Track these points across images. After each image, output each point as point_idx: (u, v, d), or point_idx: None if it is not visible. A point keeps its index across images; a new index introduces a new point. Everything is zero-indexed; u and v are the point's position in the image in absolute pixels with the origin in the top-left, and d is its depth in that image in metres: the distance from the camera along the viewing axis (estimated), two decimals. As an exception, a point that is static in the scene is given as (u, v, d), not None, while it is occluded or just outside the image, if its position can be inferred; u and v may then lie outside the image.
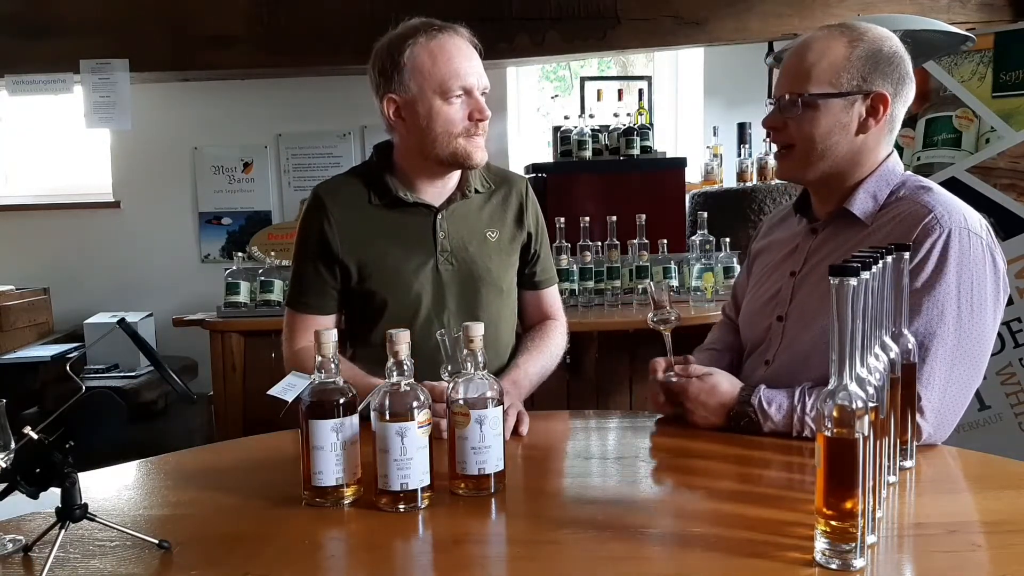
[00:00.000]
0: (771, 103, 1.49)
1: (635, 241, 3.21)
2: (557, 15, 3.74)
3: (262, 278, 3.27)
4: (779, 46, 3.41)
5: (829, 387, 0.93)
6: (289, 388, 1.23)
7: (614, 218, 3.17)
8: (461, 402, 1.19)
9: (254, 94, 4.34)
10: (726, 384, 1.44)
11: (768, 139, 1.53)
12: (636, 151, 3.59)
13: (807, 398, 1.37)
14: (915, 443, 1.26)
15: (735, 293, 1.78)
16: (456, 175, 1.72)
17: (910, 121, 3.00)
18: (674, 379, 1.47)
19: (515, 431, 1.48)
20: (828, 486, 0.93)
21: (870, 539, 0.95)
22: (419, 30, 1.60)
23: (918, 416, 1.29)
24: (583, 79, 4.11)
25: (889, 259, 1.08)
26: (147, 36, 3.79)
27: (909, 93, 1.45)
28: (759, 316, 1.59)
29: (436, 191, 1.71)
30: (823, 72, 1.41)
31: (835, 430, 0.92)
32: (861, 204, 1.45)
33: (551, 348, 1.78)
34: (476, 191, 1.74)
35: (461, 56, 1.60)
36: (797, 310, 1.50)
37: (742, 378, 1.49)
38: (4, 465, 1.01)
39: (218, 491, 1.25)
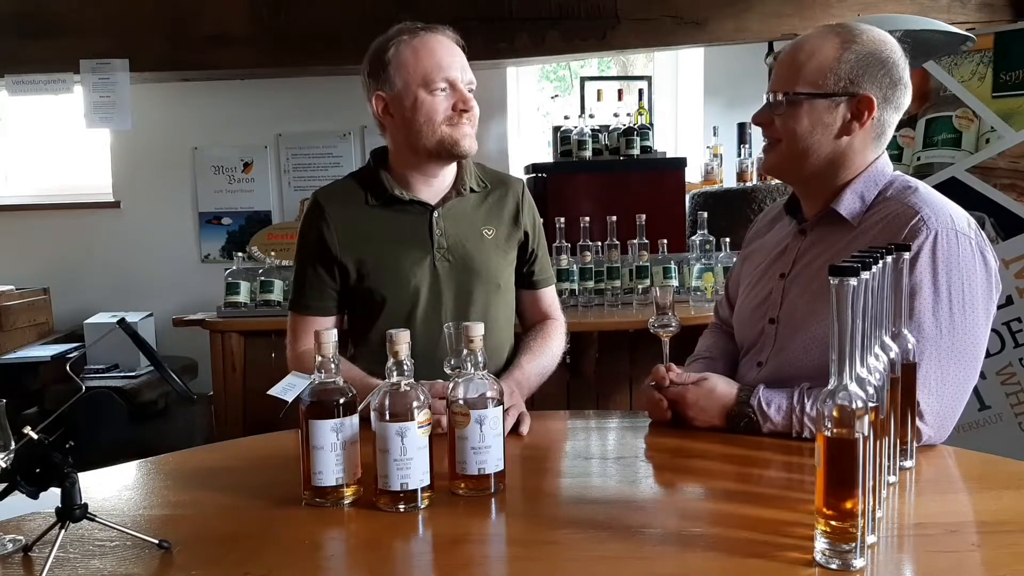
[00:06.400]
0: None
1: (635, 241, 3.21)
2: (557, 15, 3.73)
3: (262, 278, 3.28)
4: (779, 46, 3.40)
5: (829, 387, 0.93)
6: (289, 388, 1.23)
7: (614, 218, 3.17)
8: (461, 402, 1.19)
9: (254, 94, 4.33)
10: (723, 386, 1.44)
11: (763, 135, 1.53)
12: (636, 151, 3.59)
13: (806, 398, 1.37)
14: (915, 444, 1.26)
15: (727, 291, 1.78)
16: (451, 172, 1.72)
17: (910, 121, 2.99)
18: (669, 386, 1.47)
19: (515, 431, 1.48)
20: (828, 486, 0.93)
21: (870, 539, 0.95)
22: (403, 31, 1.65)
23: (918, 420, 1.29)
24: (583, 79, 4.11)
25: (889, 259, 1.08)
26: (147, 36, 3.79)
27: (902, 99, 1.44)
28: (752, 318, 1.59)
29: (431, 189, 1.72)
30: (810, 72, 1.41)
31: (835, 430, 0.92)
32: (848, 205, 1.45)
33: (551, 348, 1.78)
34: (472, 190, 1.75)
35: (443, 50, 1.63)
36: (788, 312, 1.50)
37: (736, 380, 1.49)
38: (4, 465, 1.01)
39: (218, 491, 1.25)
